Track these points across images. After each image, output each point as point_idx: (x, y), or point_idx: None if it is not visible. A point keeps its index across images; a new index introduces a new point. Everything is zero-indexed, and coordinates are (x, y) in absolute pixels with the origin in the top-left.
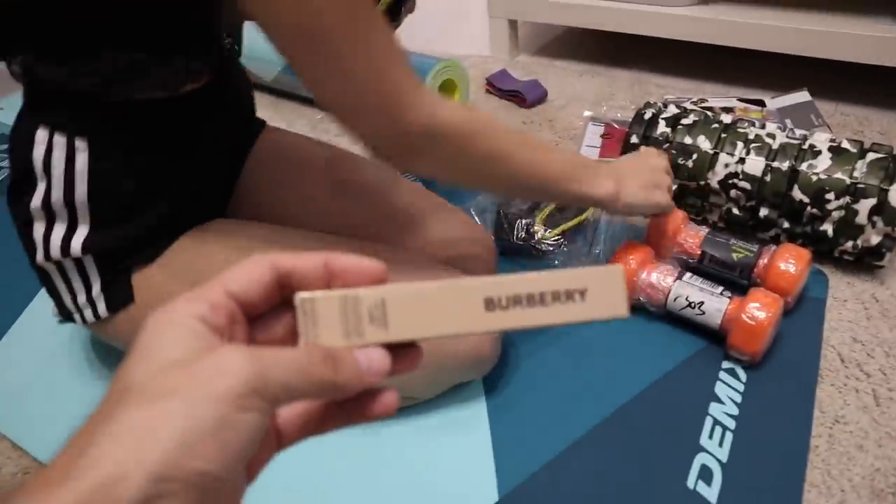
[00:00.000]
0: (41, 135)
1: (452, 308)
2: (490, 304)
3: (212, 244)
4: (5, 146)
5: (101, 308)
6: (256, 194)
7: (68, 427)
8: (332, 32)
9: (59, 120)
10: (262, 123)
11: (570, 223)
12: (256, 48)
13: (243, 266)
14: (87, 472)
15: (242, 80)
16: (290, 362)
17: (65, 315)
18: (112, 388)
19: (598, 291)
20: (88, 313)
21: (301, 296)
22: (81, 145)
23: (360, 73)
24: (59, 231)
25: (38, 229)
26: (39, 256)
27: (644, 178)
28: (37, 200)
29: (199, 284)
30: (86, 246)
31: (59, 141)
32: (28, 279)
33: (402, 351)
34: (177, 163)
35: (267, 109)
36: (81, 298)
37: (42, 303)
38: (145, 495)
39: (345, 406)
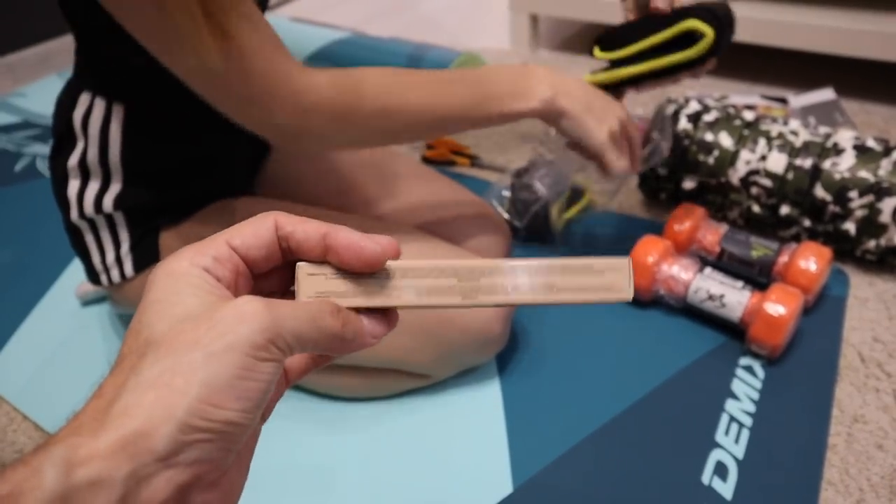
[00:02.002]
0: (84, 98)
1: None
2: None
3: (238, 212)
4: (31, 132)
5: (128, 268)
6: (283, 174)
7: None
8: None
9: (102, 85)
10: None
11: (574, 209)
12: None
13: (247, 222)
14: (118, 423)
15: None
16: (304, 313)
17: (93, 278)
18: (131, 339)
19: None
20: (115, 273)
21: (301, 266)
22: (119, 109)
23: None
24: (93, 188)
25: (73, 186)
26: (73, 214)
27: (589, 100)
28: (74, 159)
29: None
30: (118, 202)
31: (100, 103)
32: (50, 263)
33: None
34: (207, 136)
35: None
36: (110, 257)
37: (65, 285)
38: (174, 445)
39: None
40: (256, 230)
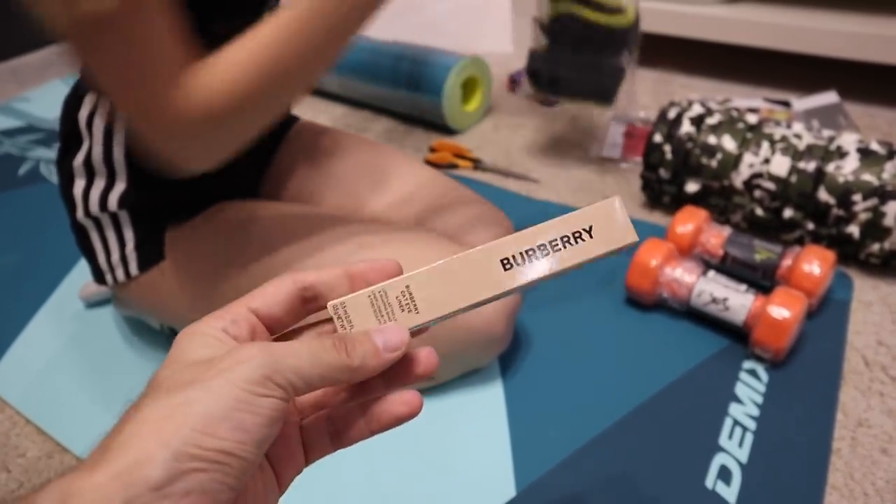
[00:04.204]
0: (89, 98)
1: (473, 277)
2: (507, 264)
3: (241, 214)
4: (35, 137)
5: (133, 267)
6: (287, 175)
7: (91, 412)
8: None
9: None
10: (296, 117)
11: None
12: None
13: (266, 285)
14: (116, 456)
15: None
16: (303, 350)
17: (98, 277)
18: (143, 390)
19: (602, 226)
20: (120, 272)
21: (332, 303)
22: None
23: (139, 59)
24: (98, 186)
25: (79, 185)
26: (79, 213)
27: None
28: (79, 158)
29: (225, 248)
30: (122, 201)
31: (104, 102)
32: (53, 266)
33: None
34: None
35: None
36: (115, 256)
37: (68, 289)
38: (169, 473)
39: (368, 412)
40: (275, 289)
